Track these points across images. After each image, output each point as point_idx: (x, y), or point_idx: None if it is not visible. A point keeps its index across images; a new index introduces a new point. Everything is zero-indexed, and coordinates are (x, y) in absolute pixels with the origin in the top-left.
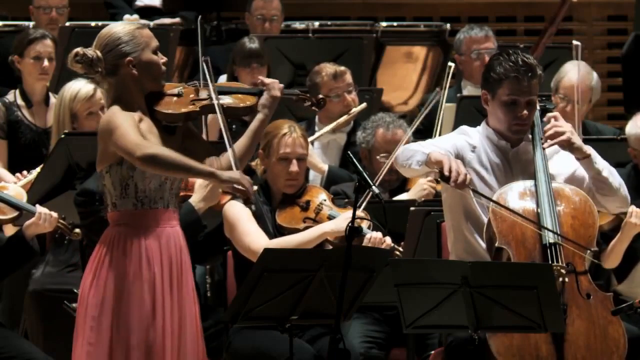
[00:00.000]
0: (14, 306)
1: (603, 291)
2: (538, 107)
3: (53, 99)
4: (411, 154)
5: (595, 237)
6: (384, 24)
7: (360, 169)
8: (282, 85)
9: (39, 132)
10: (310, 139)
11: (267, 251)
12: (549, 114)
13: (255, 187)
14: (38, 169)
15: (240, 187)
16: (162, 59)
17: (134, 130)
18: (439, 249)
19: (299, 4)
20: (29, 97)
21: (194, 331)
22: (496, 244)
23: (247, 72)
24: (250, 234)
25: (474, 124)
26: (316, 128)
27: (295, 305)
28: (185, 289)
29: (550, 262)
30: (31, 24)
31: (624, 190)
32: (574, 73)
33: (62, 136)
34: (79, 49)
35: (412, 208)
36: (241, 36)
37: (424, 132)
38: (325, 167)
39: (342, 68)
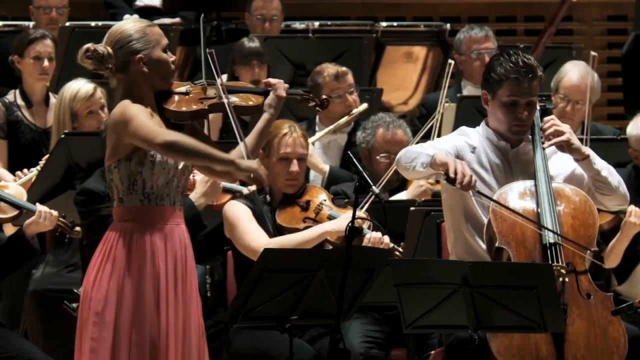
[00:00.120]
0: (14, 306)
1: (603, 291)
2: (538, 107)
3: (53, 99)
4: (414, 156)
5: (596, 237)
6: (384, 24)
7: (360, 169)
8: (287, 86)
9: (39, 132)
10: (311, 139)
11: (267, 251)
12: (547, 118)
13: (255, 187)
14: (38, 167)
15: (256, 176)
16: (171, 57)
17: (150, 120)
18: (439, 249)
19: (299, 4)
20: (29, 97)
21: (197, 329)
22: (496, 244)
23: (247, 70)
24: (251, 233)
25: (474, 124)
26: (317, 128)
27: (295, 305)
28: (190, 287)
29: (550, 262)
30: (31, 24)
31: (623, 188)
32: (574, 73)
33: (62, 136)
34: (89, 45)
35: (412, 208)
36: (241, 36)
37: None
38: (327, 168)
39: (344, 69)
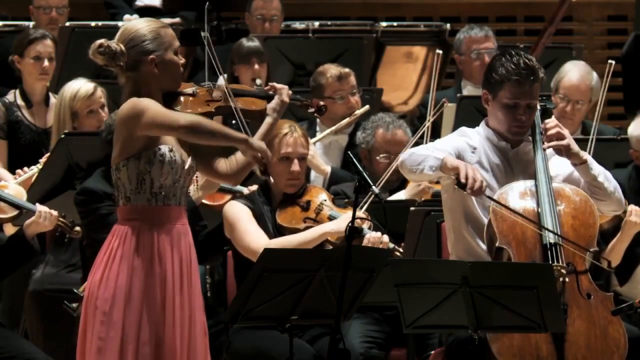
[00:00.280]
0: (14, 306)
1: (603, 291)
2: (538, 107)
3: (53, 99)
4: (421, 158)
5: (596, 237)
6: (384, 24)
7: (361, 169)
8: (290, 92)
9: (39, 132)
10: (312, 140)
11: (267, 251)
12: (551, 119)
13: (255, 187)
14: (38, 165)
15: (263, 158)
16: (181, 59)
17: (163, 108)
18: (439, 249)
19: (299, 4)
20: (29, 97)
21: (202, 328)
22: (496, 244)
23: (247, 68)
24: (250, 234)
25: (474, 124)
26: (317, 129)
27: (295, 305)
28: (195, 286)
29: (550, 262)
30: (31, 24)
31: (619, 193)
32: (574, 73)
33: (62, 136)
34: (103, 40)
35: (412, 208)
36: (241, 36)
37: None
38: (328, 169)
39: (347, 70)
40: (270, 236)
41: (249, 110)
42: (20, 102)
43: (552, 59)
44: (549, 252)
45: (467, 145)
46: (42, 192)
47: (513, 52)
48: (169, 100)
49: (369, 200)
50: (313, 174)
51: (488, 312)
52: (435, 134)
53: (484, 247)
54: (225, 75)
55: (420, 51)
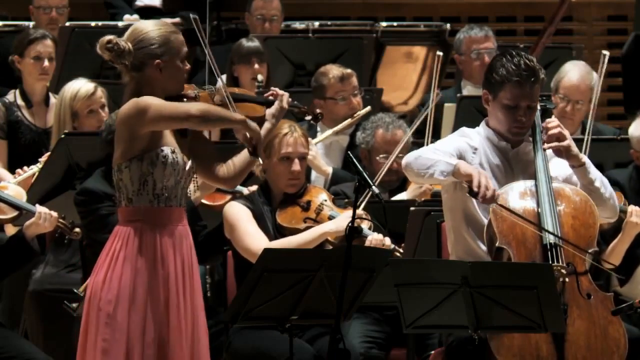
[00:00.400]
0: (14, 306)
1: (603, 291)
2: (538, 108)
3: (53, 99)
4: (430, 162)
5: (596, 237)
6: (384, 24)
7: (361, 169)
8: (290, 99)
9: (39, 132)
10: (314, 141)
11: (267, 251)
12: (552, 119)
13: (255, 188)
14: (38, 165)
15: (256, 140)
16: (187, 66)
17: (167, 102)
18: (439, 249)
19: (299, 4)
20: (29, 97)
21: (204, 328)
22: (496, 244)
23: (247, 68)
24: (250, 235)
25: (474, 124)
26: (318, 129)
27: (295, 305)
28: (196, 287)
29: (550, 262)
30: (31, 24)
31: (614, 201)
32: (574, 73)
33: (62, 136)
34: (112, 37)
35: (412, 208)
36: (241, 36)
37: (424, 132)
38: (330, 170)
39: (349, 71)
40: (270, 236)
41: (248, 116)
42: (20, 102)
43: (552, 59)
44: (549, 252)
45: (468, 146)
46: (42, 192)
47: (514, 52)
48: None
49: (366, 198)
50: (314, 174)
51: (488, 312)
52: (435, 134)
53: (484, 248)
54: (225, 78)
55: (420, 51)
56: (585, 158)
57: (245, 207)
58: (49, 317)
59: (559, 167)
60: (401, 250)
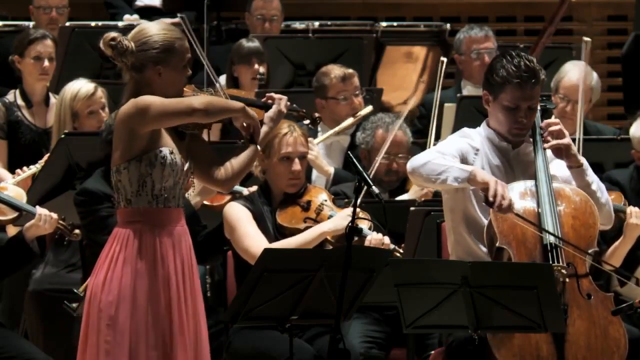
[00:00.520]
0: (14, 306)
1: (603, 291)
2: (539, 108)
3: (53, 99)
4: (441, 168)
5: (596, 237)
6: (384, 24)
7: (361, 169)
8: (288, 103)
9: (39, 133)
10: (315, 141)
11: (267, 251)
12: (554, 119)
13: (255, 188)
14: (37, 165)
15: (254, 127)
16: (188, 72)
17: (167, 98)
18: (439, 249)
19: (299, 4)
20: (29, 97)
21: (205, 327)
22: (497, 244)
23: (248, 69)
24: (250, 237)
25: (474, 124)
26: (319, 129)
27: (295, 305)
28: (196, 287)
29: (551, 262)
30: (31, 24)
31: (610, 208)
32: (574, 73)
33: (62, 136)
34: (117, 35)
35: (412, 208)
36: (241, 36)
37: (424, 132)
38: (332, 170)
39: (351, 70)
40: (271, 237)
41: None
42: (20, 102)
43: (552, 59)
44: (549, 252)
45: (470, 147)
46: (42, 192)
47: (513, 53)
48: None
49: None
50: (314, 174)
51: (488, 312)
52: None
53: (484, 249)
54: (224, 78)
55: (420, 51)
56: (583, 160)
57: (245, 208)
58: (49, 317)
59: (560, 168)
60: (401, 250)
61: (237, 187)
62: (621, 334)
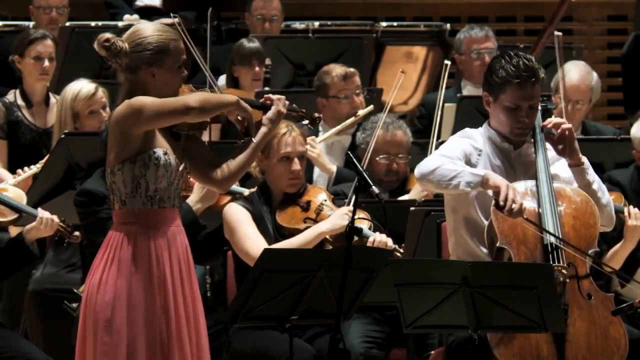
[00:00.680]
0: (14, 306)
1: (604, 292)
2: (539, 108)
3: (53, 99)
4: (452, 173)
5: (597, 237)
6: (384, 24)
7: (361, 169)
8: (287, 102)
9: (39, 133)
10: (317, 140)
11: (267, 251)
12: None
13: (254, 189)
14: (38, 165)
15: (248, 120)
16: (183, 73)
17: (160, 98)
18: (439, 249)
19: (299, 4)
20: (29, 98)
21: (204, 325)
22: (497, 244)
23: (248, 70)
24: (250, 238)
25: (474, 124)
26: (320, 129)
27: (295, 305)
28: (194, 284)
29: (551, 262)
30: (31, 24)
31: (611, 209)
32: (574, 73)
33: (62, 136)
34: (111, 36)
35: (412, 208)
36: (241, 36)
37: (424, 132)
38: (334, 168)
39: (352, 69)
40: (270, 237)
41: None
42: (20, 102)
43: (552, 59)
44: (549, 252)
45: (473, 148)
46: (42, 192)
47: (512, 53)
48: None
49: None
50: (315, 173)
51: (488, 312)
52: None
53: (485, 251)
54: (224, 78)
55: (420, 51)
56: (584, 159)
57: (245, 209)
58: (49, 317)
59: (563, 169)
60: (401, 250)
61: (238, 188)
62: (621, 334)
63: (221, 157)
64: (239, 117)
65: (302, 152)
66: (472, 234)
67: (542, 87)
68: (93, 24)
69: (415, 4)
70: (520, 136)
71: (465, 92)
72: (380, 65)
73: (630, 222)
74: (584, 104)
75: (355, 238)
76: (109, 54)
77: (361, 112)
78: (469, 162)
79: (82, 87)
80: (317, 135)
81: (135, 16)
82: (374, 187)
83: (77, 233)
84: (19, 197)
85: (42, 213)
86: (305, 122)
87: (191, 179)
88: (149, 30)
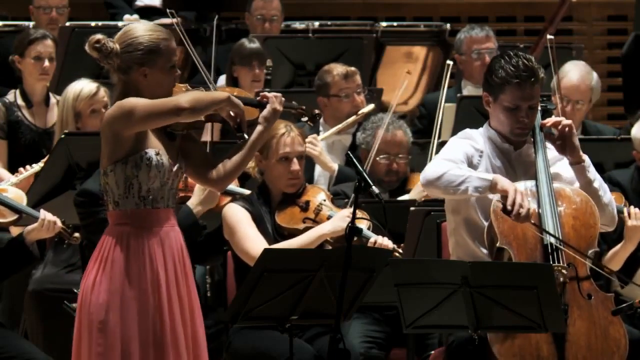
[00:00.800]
0: (14, 306)
1: (604, 292)
2: (539, 108)
3: (53, 99)
4: (460, 178)
5: (597, 237)
6: (384, 24)
7: (361, 169)
8: (283, 100)
9: (39, 133)
10: (317, 138)
11: (267, 251)
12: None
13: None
14: (40, 164)
15: (240, 116)
16: (176, 72)
17: (152, 100)
18: (439, 249)
19: (299, 4)
20: (29, 97)
21: (201, 322)
22: (497, 244)
23: (248, 71)
24: (250, 239)
25: (474, 124)
26: (321, 128)
27: (295, 305)
28: (190, 281)
29: (551, 262)
30: (31, 24)
31: (613, 209)
32: (574, 73)
33: (62, 136)
34: (101, 37)
35: (412, 208)
36: (241, 36)
37: (424, 132)
38: (336, 167)
39: (353, 68)
40: (270, 238)
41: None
42: (20, 102)
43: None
44: (549, 252)
45: (474, 150)
46: (42, 192)
47: (512, 53)
48: None
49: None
50: (316, 172)
51: (488, 312)
52: (428, 133)
53: (485, 251)
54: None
55: (420, 51)
56: (585, 157)
57: (244, 210)
58: (49, 317)
59: (565, 168)
60: (401, 251)
61: (238, 189)
62: (621, 334)
63: (221, 157)
64: (231, 113)
65: (301, 152)
66: (473, 235)
67: (542, 87)
68: (93, 24)
69: (415, 4)
70: (520, 136)
71: (465, 92)
72: (380, 66)
73: (630, 223)
74: (584, 104)
75: (355, 238)
76: (100, 55)
77: (362, 111)
78: (470, 164)
79: (83, 86)
80: (317, 134)
81: (135, 16)
82: (374, 187)
83: (77, 234)
84: (19, 197)
85: (44, 215)
86: (305, 119)
87: (191, 180)
88: (140, 30)
